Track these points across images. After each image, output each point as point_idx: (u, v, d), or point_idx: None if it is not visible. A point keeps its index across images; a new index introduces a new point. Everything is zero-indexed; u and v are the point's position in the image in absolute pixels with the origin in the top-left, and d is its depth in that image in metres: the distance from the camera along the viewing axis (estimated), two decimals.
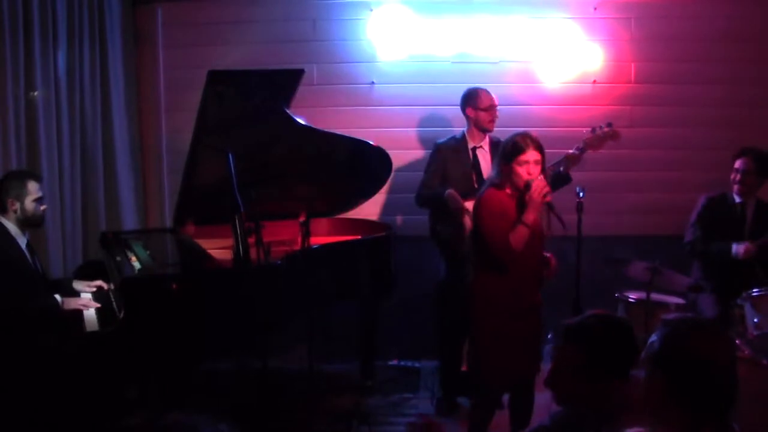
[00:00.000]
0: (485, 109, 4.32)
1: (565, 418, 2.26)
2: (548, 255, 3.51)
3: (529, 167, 3.29)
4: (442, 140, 4.50)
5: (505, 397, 3.75)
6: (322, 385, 4.51)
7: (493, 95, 4.36)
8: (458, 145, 4.40)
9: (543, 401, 2.32)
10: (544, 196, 3.26)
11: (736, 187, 4.37)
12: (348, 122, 5.00)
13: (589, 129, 4.24)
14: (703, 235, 4.40)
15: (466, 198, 4.20)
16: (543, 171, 3.37)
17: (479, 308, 3.45)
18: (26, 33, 4.31)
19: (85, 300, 3.77)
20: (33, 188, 3.69)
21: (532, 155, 3.29)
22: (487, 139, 4.41)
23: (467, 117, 4.39)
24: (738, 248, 4.23)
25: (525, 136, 3.35)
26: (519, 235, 3.28)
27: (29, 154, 4.37)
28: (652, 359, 1.72)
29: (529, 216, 3.28)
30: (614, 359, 2.05)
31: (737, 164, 4.34)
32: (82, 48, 4.75)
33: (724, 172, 4.46)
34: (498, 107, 4.36)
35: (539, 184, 3.26)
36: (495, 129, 4.41)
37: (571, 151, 4.18)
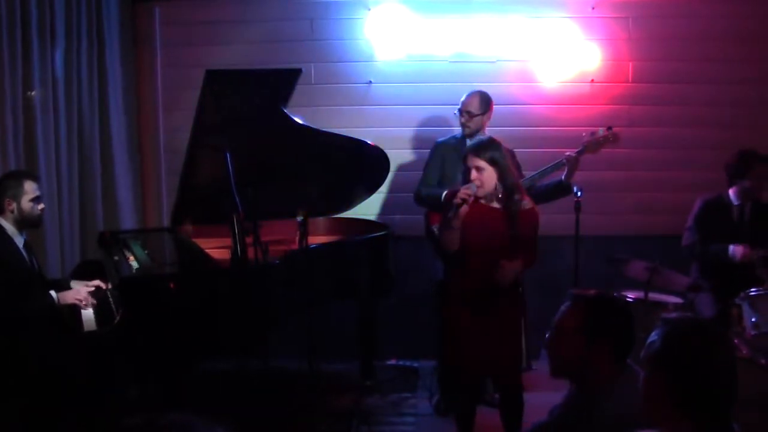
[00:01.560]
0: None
1: (564, 413, 2.28)
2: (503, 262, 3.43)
3: (470, 172, 3.41)
4: (442, 139, 4.50)
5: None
6: (322, 385, 4.50)
7: (464, 97, 4.32)
8: (457, 144, 4.39)
9: (538, 401, 2.32)
10: (462, 199, 3.34)
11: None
12: (345, 122, 4.99)
13: (588, 133, 4.24)
14: (700, 238, 4.40)
15: None
16: (504, 178, 3.41)
17: (443, 301, 3.66)
18: (24, 32, 4.30)
19: (83, 294, 3.71)
20: (30, 188, 3.68)
21: (470, 161, 3.42)
22: None
23: None
24: (735, 250, 4.21)
25: (472, 145, 3.52)
26: (445, 234, 3.46)
27: (27, 153, 4.36)
28: (653, 358, 1.73)
29: (450, 216, 3.41)
30: (608, 327, 2.18)
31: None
32: (79, 47, 4.74)
33: (723, 171, 4.45)
34: (461, 111, 4.30)
35: (462, 188, 3.38)
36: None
37: (567, 153, 4.18)
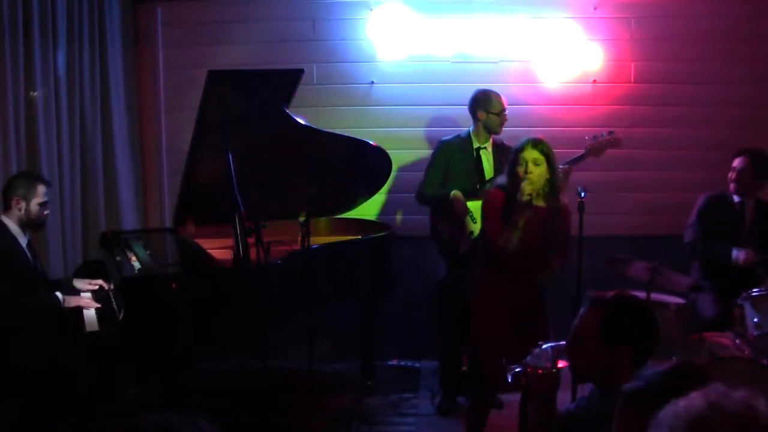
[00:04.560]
0: (497, 114, 4.32)
1: (584, 410, 2.26)
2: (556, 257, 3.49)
3: (526, 166, 3.33)
4: (446, 138, 4.49)
5: (506, 397, 3.75)
6: (322, 385, 4.51)
7: (503, 97, 4.35)
8: (462, 144, 4.40)
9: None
10: (529, 196, 3.29)
11: (732, 185, 4.37)
12: (347, 122, 4.99)
13: (591, 136, 4.24)
14: (702, 235, 4.39)
15: (467, 198, 4.21)
16: (553, 174, 3.40)
17: (477, 305, 3.50)
18: (26, 32, 4.30)
19: (86, 299, 3.75)
20: (41, 191, 3.72)
21: (529, 154, 3.34)
22: (491, 140, 4.42)
23: (476, 118, 4.37)
24: (738, 254, 4.20)
25: (528, 138, 3.40)
26: (505, 236, 3.33)
27: (29, 153, 4.36)
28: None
29: (515, 217, 3.31)
30: (627, 333, 2.12)
31: (735, 163, 4.35)
32: (81, 48, 4.74)
33: (723, 171, 4.44)
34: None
35: (525, 185, 3.30)
36: None
37: (561, 165, 4.19)
